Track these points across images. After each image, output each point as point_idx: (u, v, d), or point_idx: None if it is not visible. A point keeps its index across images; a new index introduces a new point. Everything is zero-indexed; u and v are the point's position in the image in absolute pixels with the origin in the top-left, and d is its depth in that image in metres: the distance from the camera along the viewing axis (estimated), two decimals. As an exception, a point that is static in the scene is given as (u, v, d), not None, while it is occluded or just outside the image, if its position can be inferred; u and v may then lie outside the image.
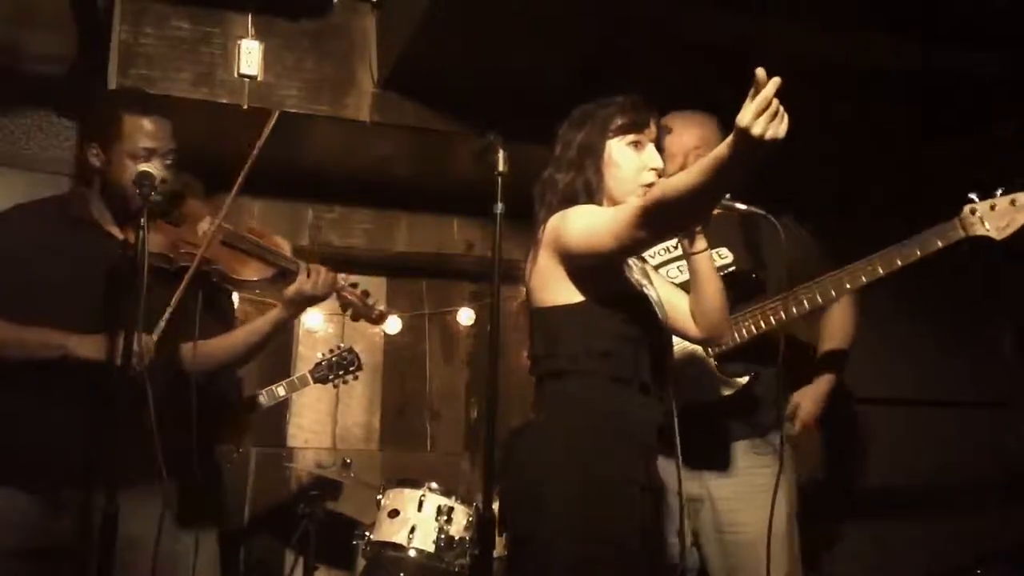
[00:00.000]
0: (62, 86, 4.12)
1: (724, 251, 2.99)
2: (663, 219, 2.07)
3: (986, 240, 2.63)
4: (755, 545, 2.87)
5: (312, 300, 2.68)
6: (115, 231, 2.61)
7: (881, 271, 2.73)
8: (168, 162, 2.56)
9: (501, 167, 2.28)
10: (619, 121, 2.36)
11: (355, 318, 2.84)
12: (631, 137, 2.35)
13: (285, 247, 2.72)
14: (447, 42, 3.45)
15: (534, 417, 2.32)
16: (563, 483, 2.16)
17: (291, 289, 2.64)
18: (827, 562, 4.01)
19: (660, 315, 2.38)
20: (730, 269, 2.94)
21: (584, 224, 2.22)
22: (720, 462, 2.93)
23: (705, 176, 1.92)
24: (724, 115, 3.08)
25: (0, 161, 4.18)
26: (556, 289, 2.27)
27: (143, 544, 2.39)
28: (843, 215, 4.10)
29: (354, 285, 2.83)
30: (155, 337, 2.43)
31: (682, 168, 2.54)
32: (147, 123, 2.56)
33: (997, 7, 3.16)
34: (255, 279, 2.64)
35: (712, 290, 2.42)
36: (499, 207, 2.28)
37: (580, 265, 2.25)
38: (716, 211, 2.29)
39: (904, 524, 4.26)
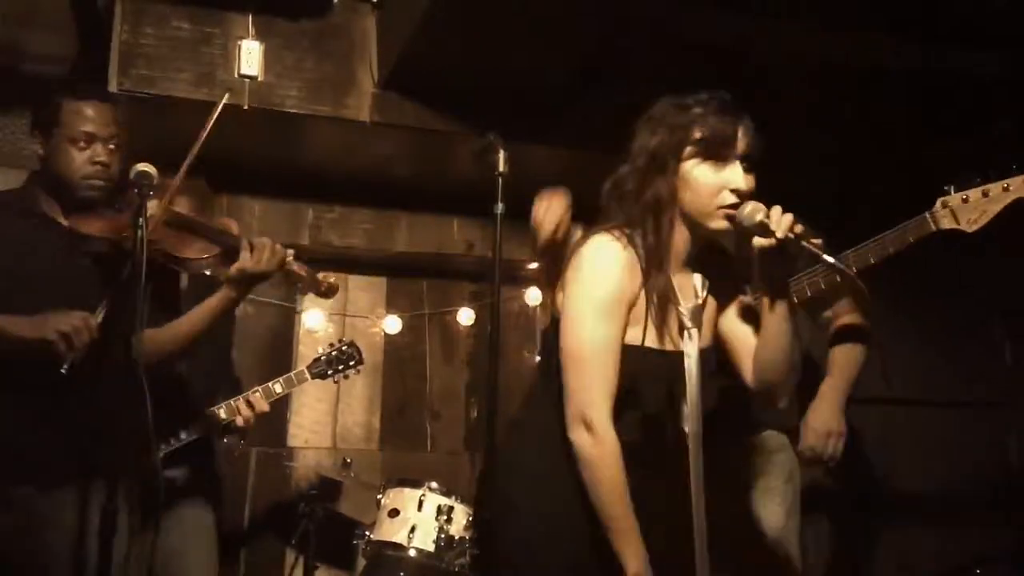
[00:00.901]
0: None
1: None
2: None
3: (958, 233, 2.58)
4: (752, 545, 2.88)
5: (257, 277, 2.62)
6: (62, 220, 2.59)
7: (855, 269, 2.70)
8: (111, 147, 2.54)
9: (501, 167, 2.28)
10: (698, 135, 2.08)
11: (303, 292, 2.81)
12: (712, 154, 2.07)
13: (232, 227, 2.70)
14: (447, 42, 3.45)
15: (523, 414, 2.28)
16: (546, 500, 2.12)
17: (234, 267, 2.59)
18: (826, 562, 4.00)
19: (688, 366, 2.12)
20: None
21: (569, 318, 2.08)
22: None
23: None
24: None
25: (0, 161, 4.18)
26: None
27: (86, 538, 2.38)
28: (843, 215, 4.10)
29: (300, 259, 2.78)
30: (98, 319, 2.40)
31: None
32: (86, 107, 2.55)
33: (997, 7, 3.16)
34: (200, 258, 2.61)
35: (775, 347, 2.10)
36: (499, 207, 2.27)
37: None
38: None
39: (904, 524, 4.26)
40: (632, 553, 2.01)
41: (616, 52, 3.45)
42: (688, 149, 2.08)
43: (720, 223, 2.08)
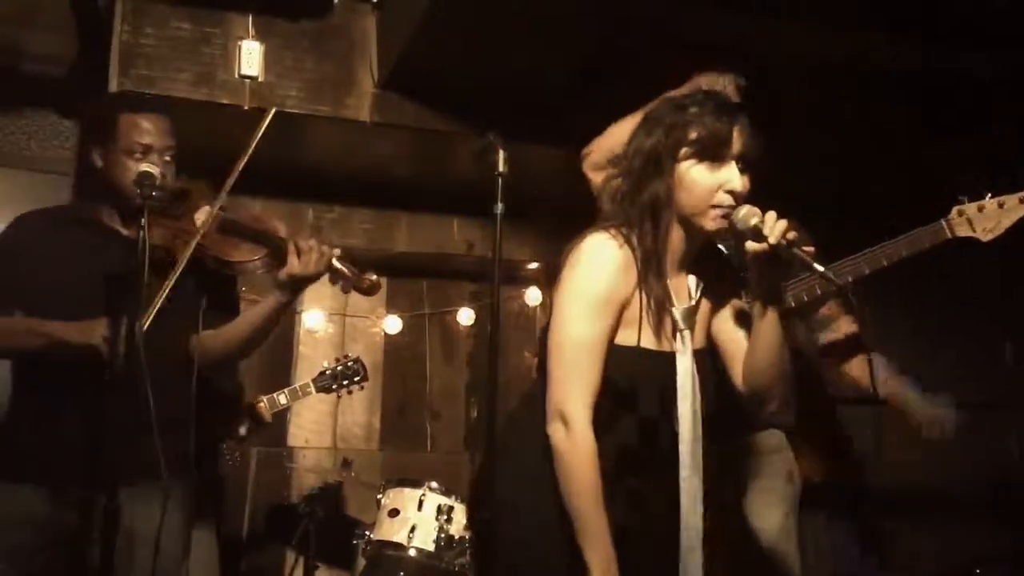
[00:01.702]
0: (62, 86, 4.12)
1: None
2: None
3: (973, 241, 2.65)
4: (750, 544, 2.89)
5: (307, 280, 2.62)
6: (123, 231, 2.62)
7: (867, 270, 2.72)
8: (167, 159, 2.57)
9: (501, 167, 2.26)
10: (694, 135, 2.05)
11: (345, 290, 2.80)
12: (707, 155, 2.05)
13: (280, 228, 2.71)
14: (447, 42, 3.45)
15: (518, 413, 2.27)
16: (544, 503, 2.08)
17: (283, 273, 2.59)
18: (825, 561, 4.01)
19: (681, 368, 2.11)
20: None
21: (559, 313, 2.07)
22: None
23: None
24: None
25: (0, 161, 4.19)
26: None
27: (144, 541, 2.39)
28: (843, 215, 4.11)
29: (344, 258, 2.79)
30: (145, 325, 2.41)
31: None
32: (142, 120, 2.57)
33: (997, 7, 3.16)
34: (248, 260, 2.63)
35: (765, 350, 2.09)
36: (499, 207, 2.26)
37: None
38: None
39: (903, 524, 4.26)
40: (599, 560, 1.96)
41: (616, 52, 3.45)
42: (684, 150, 2.05)
43: (714, 223, 2.05)
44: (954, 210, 2.66)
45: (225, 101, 3.65)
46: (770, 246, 1.96)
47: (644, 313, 2.08)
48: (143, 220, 2.25)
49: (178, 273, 2.44)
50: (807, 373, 3.08)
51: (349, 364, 3.61)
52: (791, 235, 1.96)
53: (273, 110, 2.72)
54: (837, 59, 3.52)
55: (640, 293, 2.07)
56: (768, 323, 2.06)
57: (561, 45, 3.46)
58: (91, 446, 2.40)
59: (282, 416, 4.66)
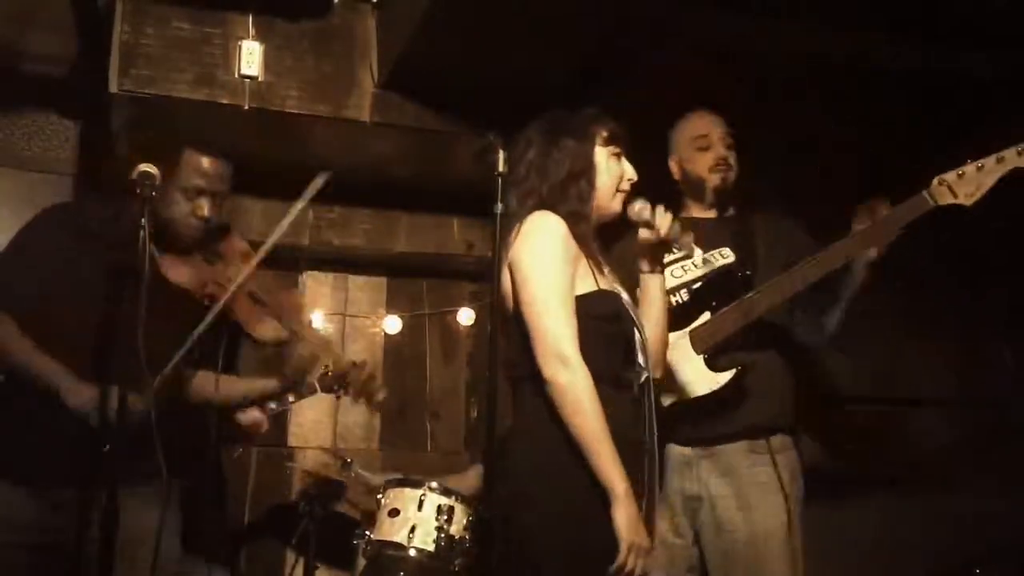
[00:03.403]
0: (62, 86, 4.12)
1: (726, 250, 3.02)
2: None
3: (956, 208, 2.68)
4: (752, 545, 2.88)
5: (310, 391, 2.87)
6: (158, 266, 2.60)
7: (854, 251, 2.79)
8: (217, 203, 2.65)
9: (501, 167, 2.28)
10: (604, 133, 2.44)
11: (355, 398, 2.94)
12: (614, 148, 2.45)
13: (302, 306, 2.78)
14: (447, 42, 3.45)
15: (517, 420, 2.32)
16: (561, 487, 2.18)
17: (296, 368, 2.81)
18: (825, 561, 4.01)
19: (632, 312, 2.41)
20: (727, 264, 3.01)
21: (532, 275, 2.28)
22: (718, 460, 2.94)
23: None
24: (724, 115, 3.12)
25: (0, 161, 4.19)
26: None
27: (143, 543, 2.39)
28: (842, 214, 4.10)
29: (359, 366, 2.98)
30: (167, 371, 2.44)
31: None
32: (205, 162, 2.62)
33: (997, 7, 3.17)
34: (268, 338, 2.70)
35: (653, 314, 2.48)
36: (499, 207, 2.27)
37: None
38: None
39: (904, 523, 4.27)
40: (618, 475, 2.15)
41: (616, 52, 3.45)
42: (600, 141, 2.43)
43: (617, 206, 2.44)
44: (935, 180, 2.71)
45: (225, 101, 3.65)
46: (659, 236, 2.40)
47: (590, 270, 2.36)
48: (143, 220, 2.26)
49: (202, 328, 2.47)
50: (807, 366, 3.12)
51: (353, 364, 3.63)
52: (676, 227, 2.41)
53: (328, 175, 2.79)
54: (837, 59, 3.52)
55: (581, 256, 2.34)
56: (657, 288, 2.50)
57: (561, 45, 3.46)
58: (75, 447, 2.40)
59: (282, 416, 4.67)
